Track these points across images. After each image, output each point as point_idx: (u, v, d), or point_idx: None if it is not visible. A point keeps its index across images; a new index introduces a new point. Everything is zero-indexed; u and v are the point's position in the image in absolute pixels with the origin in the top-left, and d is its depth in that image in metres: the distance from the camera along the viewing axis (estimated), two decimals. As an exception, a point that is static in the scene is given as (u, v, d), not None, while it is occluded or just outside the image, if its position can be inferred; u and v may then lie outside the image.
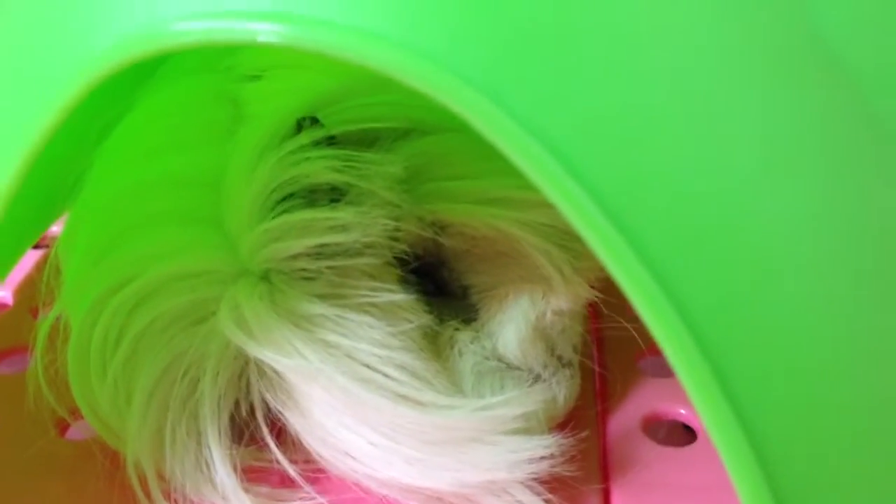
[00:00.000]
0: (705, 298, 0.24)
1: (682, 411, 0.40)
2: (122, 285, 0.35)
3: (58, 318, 0.38)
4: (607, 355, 0.44)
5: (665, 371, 0.42)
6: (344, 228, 0.33)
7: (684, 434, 0.41)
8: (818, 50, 0.28)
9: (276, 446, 0.36)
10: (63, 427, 0.41)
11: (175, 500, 0.36)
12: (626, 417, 0.40)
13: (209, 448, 0.35)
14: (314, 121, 0.35)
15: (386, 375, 0.33)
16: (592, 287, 0.37)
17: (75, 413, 0.38)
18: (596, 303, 0.38)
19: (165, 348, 0.36)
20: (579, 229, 0.23)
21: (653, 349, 0.42)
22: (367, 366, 0.33)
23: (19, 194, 0.35)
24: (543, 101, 0.24)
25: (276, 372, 0.35)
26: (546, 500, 0.34)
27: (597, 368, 0.42)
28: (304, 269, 0.34)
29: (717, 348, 0.24)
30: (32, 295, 0.47)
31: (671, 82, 0.25)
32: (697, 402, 0.24)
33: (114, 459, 0.37)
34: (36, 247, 0.50)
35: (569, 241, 0.36)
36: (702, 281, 0.24)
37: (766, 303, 0.25)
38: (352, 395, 0.33)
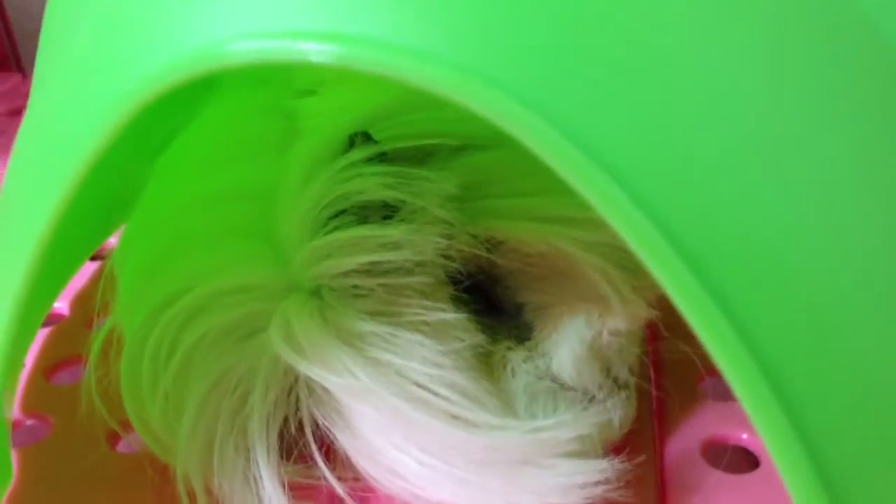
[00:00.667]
0: (768, 323, 0.23)
1: (744, 436, 0.39)
2: (175, 298, 0.35)
3: (112, 331, 0.38)
4: (666, 377, 0.42)
5: (726, 394, 0.41)
6: (396, 246, 0.33)
7: (746, 460, 0.39)
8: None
9: (325, 464, 0.35)
10: (115, 439, 0.41)
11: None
12: (684, 442, 0.39)
13: (257, 464, 0.35)
14: (367, 137, 0.35)
15: (437, 395, 0.33)
16: (651, 307, 0.36)
17: (127, 426, 0.38)
18: (654, 323, 0.37)
19: (216, 362, 0.36)
20: (637, 252, 0.23)
21: (713, 371, 0.41)
22: (418, 385, 0.33)
23: (76, 206, 0.36)
24: (601, 121, 0.23)
25: (325, 389, 0.35)
26: (600, 527, 0.33)
27: (654, 391, 0.40)
28: (355, 287, 0.34)
29: (781, 373, 0.23)
30: (88, 307, 0.47)
31: (739, 106, 0.24)
32: (760, 427, 0.23)
33: (163, 473, 0.37)
34: (93, 258, 0.51)
35: (627, 260, 0.35)
36: (765, 305, 0.23)
37: (831, 328, 0.24)
38: (402, 415, 0.32)
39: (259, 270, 0.35)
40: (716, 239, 0.23)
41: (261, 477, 0.35)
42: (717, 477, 0.37)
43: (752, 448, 0.39)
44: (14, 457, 0.38)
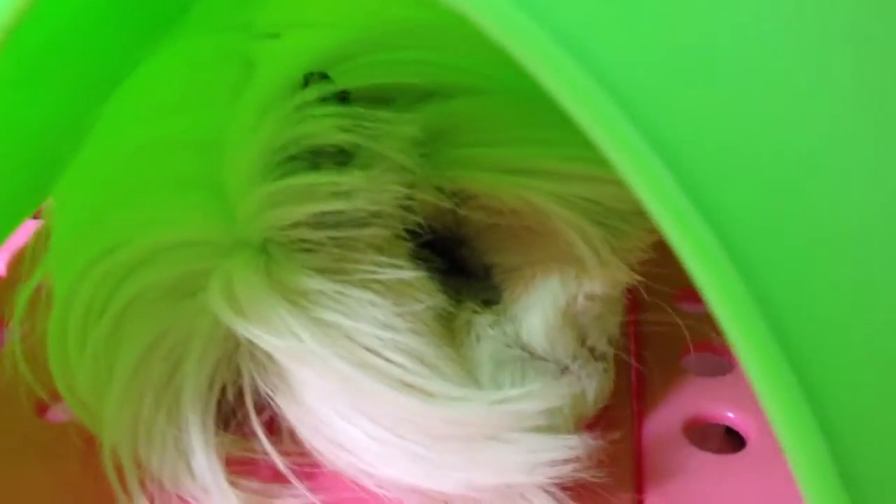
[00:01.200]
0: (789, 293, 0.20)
1: (730, 415, 0.36)
2: (111, 252, 0.32)
3: (42, 291, 0.35)
4: (647, 350, 0.39)
5: (711, 370, 0.38)
6: (349, 195, 0.29)
7: (731, 442, 0.36)
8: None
9: (266, 436, 0.32)
10: (43, 409, 0.38)
11: (152, 492, 0.32)
12: (665, 419, 0.36)
13: (189, 434, 0.31)
14: (323, 76, 0.32)
15: (389, 361, 0.29)
16: (633, 271, 0.33)
17: (56, 395, 0.35)
18: (637, 290, 0.34)
19: (151, 323, 0.32)
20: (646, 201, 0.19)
21: (700, 346, 0.38)
22: (368, 349, 0.29)
23: (14, 161, 0.32)
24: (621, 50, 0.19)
25: (268, 355, 0.31)
26: (569, 509, 0.30)
27: (634, 364, 0.37)
28: (303, 241, 0.30)
29: (801, 348, 0.20)
30: (27, 268, 0.44)
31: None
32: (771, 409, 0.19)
33: (91, 443, 0.34)
34: (36, 217, 0.47)
35: (609, 219, 0.32)
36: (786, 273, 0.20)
37: (856, 303, 0.21)
38: (349, 382, 0.29)
39: (204, 225, 0.32)
40: (738, 195, 0.20)
41: (193, 449, 0.31)
42: (700, 457, 0.34)
43: (738, 428, 0.36)
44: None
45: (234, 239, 0.31)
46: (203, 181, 0.32)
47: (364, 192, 0.30)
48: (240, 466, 0.33)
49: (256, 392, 0.32)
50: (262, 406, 0.33)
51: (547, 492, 0.30)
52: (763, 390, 0.19)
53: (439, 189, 0.32)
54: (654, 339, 0.39)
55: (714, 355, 0.38)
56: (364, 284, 0.30)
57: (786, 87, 0.21)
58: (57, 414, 0.38)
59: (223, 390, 0.32)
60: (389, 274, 0.30)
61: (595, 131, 0.19)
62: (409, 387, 0.29)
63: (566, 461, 0.29)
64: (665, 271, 0.31)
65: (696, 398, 0.36)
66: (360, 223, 0.30)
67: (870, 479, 0.21)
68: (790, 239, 0.21)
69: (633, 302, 0.38)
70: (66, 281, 0.33)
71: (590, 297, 0.32)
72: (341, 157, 0.30)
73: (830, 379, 0.20)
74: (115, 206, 0.33)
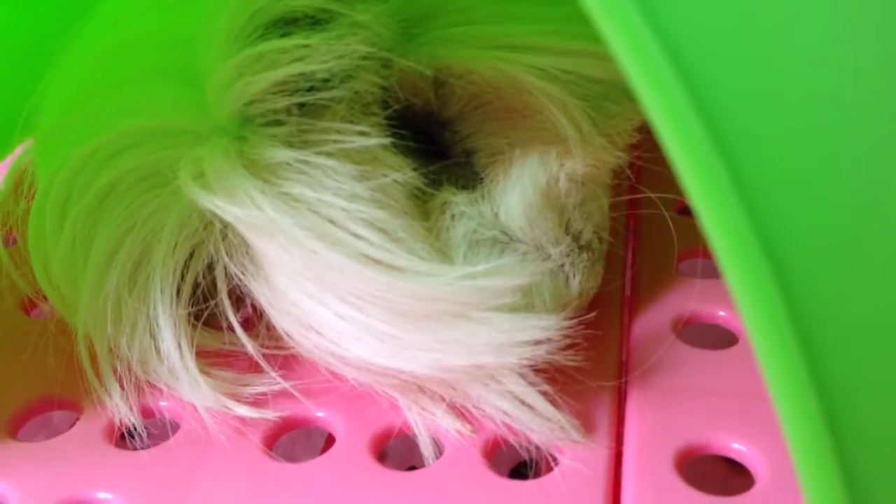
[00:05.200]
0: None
1: (722, 313, 0.34)
2: (90, 138, 0.32)
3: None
4: (644, 248, 0.37)
5: (707, 272, 0.36)
6: (310, 57, 0.28)
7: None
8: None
9: (241, 327, 0.31)
10: (30, 307, 0.38)
11: (123, 378, 0.32)
12: (655, 313, 0.34)
13: (158, 318, 0.31)
14: None
15: (353, 234, 0.28)
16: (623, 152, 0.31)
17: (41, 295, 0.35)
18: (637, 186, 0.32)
19: (127, 210, 0.32)
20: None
21: (696, 250, 0.36)
22: (332, 221, 0.28)
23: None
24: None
25: (240, 239, 0.30)
26: (543, 393, 0.29)
27: (630, 259, 0.35)
28: (271, 111, 0.29)
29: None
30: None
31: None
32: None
33: (67, 334, 0.33)
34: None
35: (597, 96, 0.31)
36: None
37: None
38: (313, 256, 0.28)
39: (181, 113, 0.31)
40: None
41: (162, 332, 0.31)
42: (686, 350, 0.32)
43: (729, 326, 0.34)
44: None
45: (209, 126, 0.30)
46: (184, 75, 0.32)
47: (325, 52, 0.28)
48: (219, 358, 0.33)
49: (233, 289, 0.31)
50: (240, 304, 0.32)
51: (519, 374, 0.29)
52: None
53: (419, 64, 0.31)
54: (652, 237, 0.38)
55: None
56: (329, 154, 0.29)
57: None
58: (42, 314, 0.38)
59: (198, 286, 0.32)
60: (354, 143, 0.29)
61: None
62: (374, 260, 0.28)
63: (539, 342, 0.28)
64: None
65: (689, 296, 0.35)
66: (325, 87, 0.29)
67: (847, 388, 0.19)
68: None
69: (634, 200, 0.37)
70: (48, 168, 0.33)
71: (572, 178, 0.31)
72: (314, 26, 0.29)
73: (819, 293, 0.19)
74: (97, 96, 0.33)
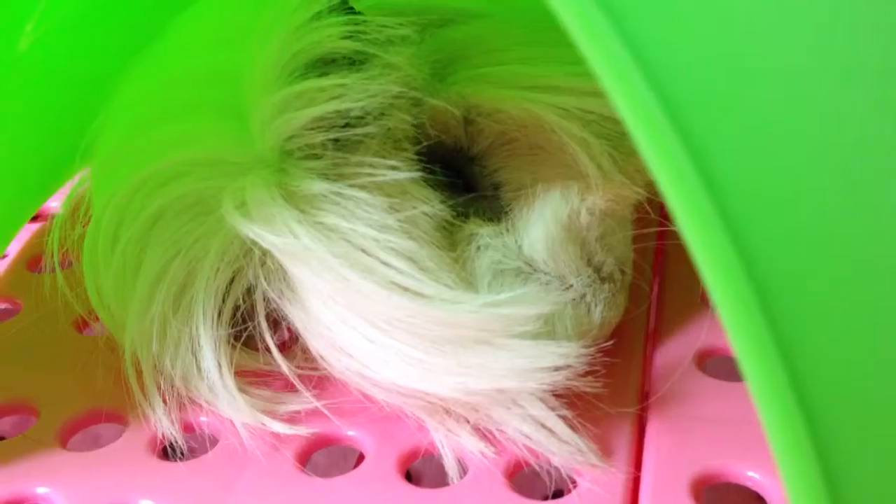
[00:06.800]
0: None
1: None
2: (142, 168, 0.34)
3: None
4: (671, 279, 0.38)
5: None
6: (345, 95, 0.30)
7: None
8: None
9: (277, 349, 0.33)
10: (83, 326, 0.40)
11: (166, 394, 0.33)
12: (678, 345, 0.35)
13: (200, 337, 0.33)
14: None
15: (383, 262, 0.30)
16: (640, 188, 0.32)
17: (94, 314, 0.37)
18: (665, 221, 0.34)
19: (173, 236, 0.34)
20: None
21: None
22: (364, 250, 0.30)
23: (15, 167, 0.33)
24: None
25: (278, 266, 0.32)
26: (562, 417, 0.30)
27: (655, 291, 0.36)
28: (309, 146, 0.31)
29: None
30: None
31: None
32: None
33: (116, 352, 0.35)
34: (34, 220, 0.49)
35: (617, 135, 0.32)
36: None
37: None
38: (345, 283, 0.29)
39: (228, 146, 0.33)
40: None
41: (203, 351, 0.33)
42: (707, 382, 0.33)
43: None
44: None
45: (251, 158, 0.32)
46: (230, 109, 0.34)
47: (360, 91, 0.30)
48: (253, 377, 0.34)
49: (270, 312, 0.33)
50: (277, 326, 0.34)
51: (540, 399, 0.30)
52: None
53: (449, 103, 0.32)
54: (677, 273, 0.39)
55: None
56: (362, 187, 0.30)
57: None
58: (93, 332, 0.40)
59: (238, 309, 0.33)
60: (385, 176, 0.30)
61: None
62: (403, 288, 0.29)
63: (560, 368, 0.29)
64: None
65: (713, 330, 0.36)
66: (360, 124, 0.31)
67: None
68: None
69: (662, 233, 0.38)
70: (103, 195, 0.35)
71: (592, 212, 0.32)
72: (350, 66, 0.31)
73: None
74: (151, 128, 0.35)
